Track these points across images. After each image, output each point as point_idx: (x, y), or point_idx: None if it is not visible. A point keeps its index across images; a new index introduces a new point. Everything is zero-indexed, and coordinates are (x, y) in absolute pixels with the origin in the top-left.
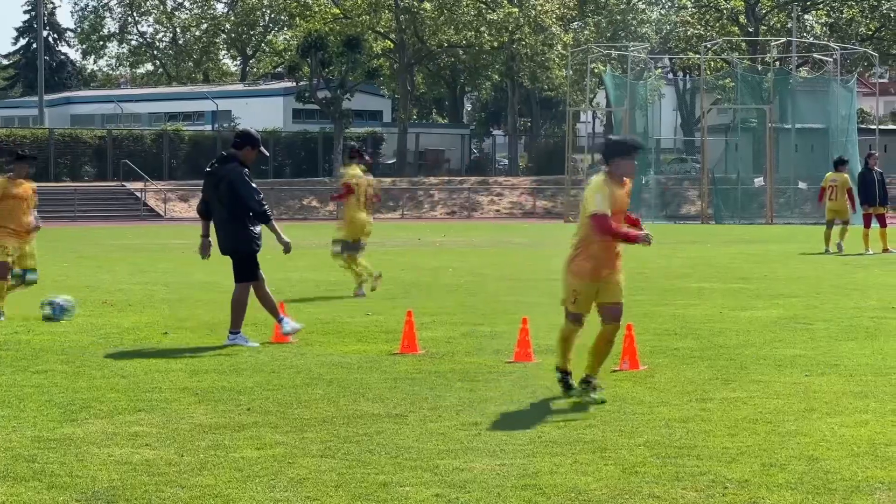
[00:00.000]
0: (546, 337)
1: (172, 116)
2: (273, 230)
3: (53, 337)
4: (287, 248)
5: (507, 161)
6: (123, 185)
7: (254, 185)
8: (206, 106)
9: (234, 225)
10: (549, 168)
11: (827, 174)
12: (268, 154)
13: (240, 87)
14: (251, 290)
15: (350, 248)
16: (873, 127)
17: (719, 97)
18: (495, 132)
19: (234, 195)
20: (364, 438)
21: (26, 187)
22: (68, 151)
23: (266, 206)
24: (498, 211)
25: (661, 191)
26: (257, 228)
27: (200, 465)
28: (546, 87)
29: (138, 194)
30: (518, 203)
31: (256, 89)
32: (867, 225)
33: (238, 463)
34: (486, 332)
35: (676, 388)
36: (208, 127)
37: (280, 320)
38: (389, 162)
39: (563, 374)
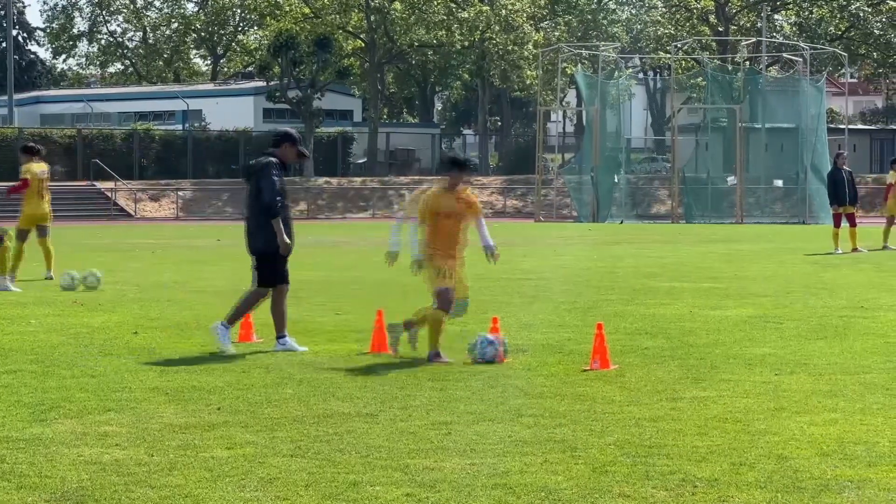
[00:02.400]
0: (516, 336)
1: (143, 116)
2: (276, 228)
3: (23, 337)
4: (283, 249)
5: (477, 160)
6: (94, 185)
7: (278, 181)
8: (177, 105)
9: (259, 223)
10: (519, 167)
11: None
12: (308, 155)
13: (210, 86)
14: (276, 294)
15: (24, 236)
16: (843, 126)
17: (693, 96)
18: (466, 132)
19: (259, 189)
20: (334, 438)
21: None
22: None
23: (279, 204)
24: None
25: (631, 190)
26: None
27: (170, 465)
28: (517, 86)
29: (108, 194)
30: (488, 202)
31: (227, 89)
32: (837, 224)
33: (208, 463)
34: (457, 332)
35: (647, 387)
36: (179, 126)
37: (281, 336)
38: (360, 161)
39: None
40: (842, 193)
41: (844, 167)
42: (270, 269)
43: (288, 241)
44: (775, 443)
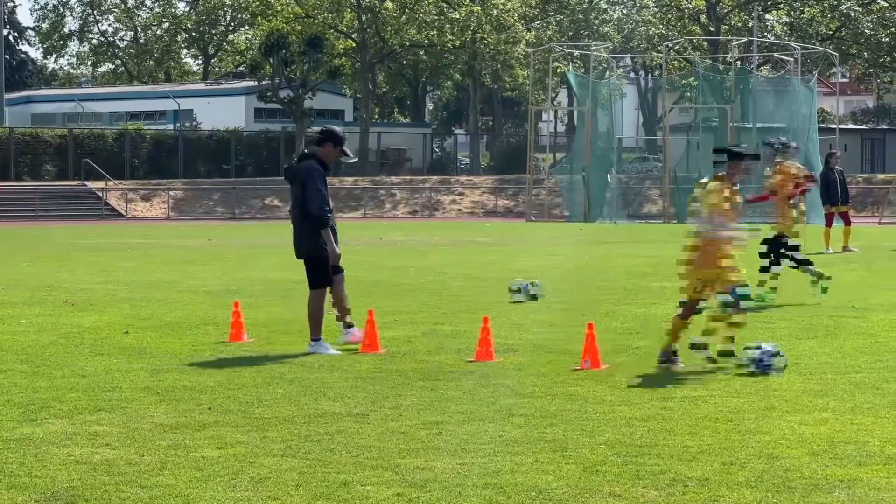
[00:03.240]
0: (507, 336)
1: (134, 115)
2: (326, 238)
3: (13, 337)
4: (333, 258)
5: (468, 160)
6: (85, 185)
7: (323, 186)
8: (168, 105)
9: (303, 228)
10: (510, 167)
11: None
12: (351, 156)
13: (201, 86)
14: (326, 293)
15: None
16: (833, 126)
17: (687, 94)
18: (457, 131)
19: (305, 197)
20: (325, 437)
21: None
22: (29, 150)
23: (326, 211)
24: (460, 210)
25: (622, 190)
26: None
27: (161, 464)
28: (508, 86)
29: (100, 193)
30: (480, 202)
31: (218, 88)
32: (829, 224)
33: (199, 462)
34: (448, 332)
35: (637, 386)
36: (170, 126)
37: (346, 326)
38: (351, 161)
39: None
40: (833, 193)
41: (836, 167)
42: (321, 271)
43: (338, 250)
44: (766, 442)
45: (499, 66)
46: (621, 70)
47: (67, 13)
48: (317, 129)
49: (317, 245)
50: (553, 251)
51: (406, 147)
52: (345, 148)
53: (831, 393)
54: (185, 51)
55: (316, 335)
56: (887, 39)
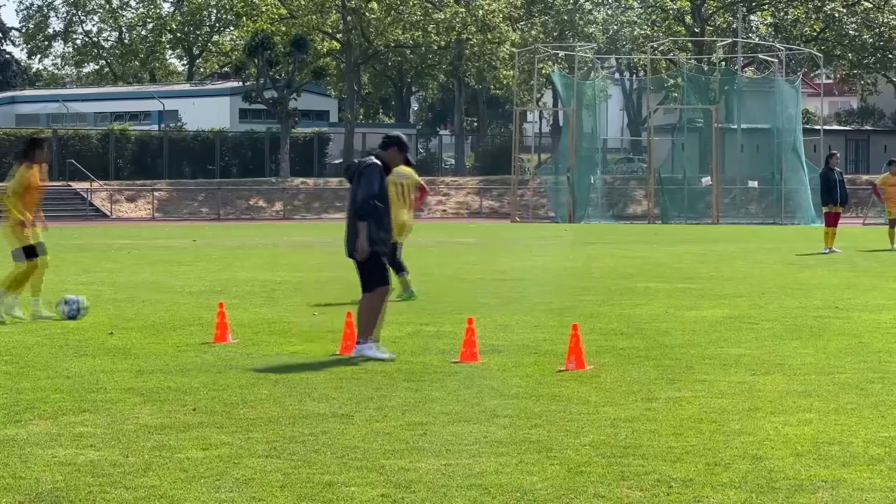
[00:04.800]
0: (491, 337)
1: (119, 116)
2: (360, 230)
3: None
4: (360, 253)
5: (453, 161)
6: (69, 185)
7: (378, 183)
8: (153, 106)
9: (357, 226)
10: (495, 168)
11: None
12: (413, 163)
13: (186, 86)
14: (385, 295)
15: None
16: (818, 127)
17: (675, 95)
18: (442, 132)
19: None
20: (310, 438)
21: None
22: (13, 151)
23: (371, 207)
24: (444, 211)
25: (607, 190)
26: (381, 233)
27: (145, 465)
28: (493, 86)
29: (84, 194)
30: (465, 203)
31: (203, 89)
32: (828, 223)
33: (183, 463)
34: (432, 332)
35: (622, 387)
36: (155, 127)
37: (360, 341)
38: (336, 162)
39: None
40: (835, 193)
41: (836, 167)
42: (373, 270)
43: (367, 246)
44: (750, 443)
45: (484, 66)
46: (606, 71)
47: (52, 14)
48: (304, 129)
49: (369, 242)
50: (538, 252)
51: None
52: (407, 155)
53: (815, 393)
54: (169, 51)
55: (364, 337)
56: (871, 41)
